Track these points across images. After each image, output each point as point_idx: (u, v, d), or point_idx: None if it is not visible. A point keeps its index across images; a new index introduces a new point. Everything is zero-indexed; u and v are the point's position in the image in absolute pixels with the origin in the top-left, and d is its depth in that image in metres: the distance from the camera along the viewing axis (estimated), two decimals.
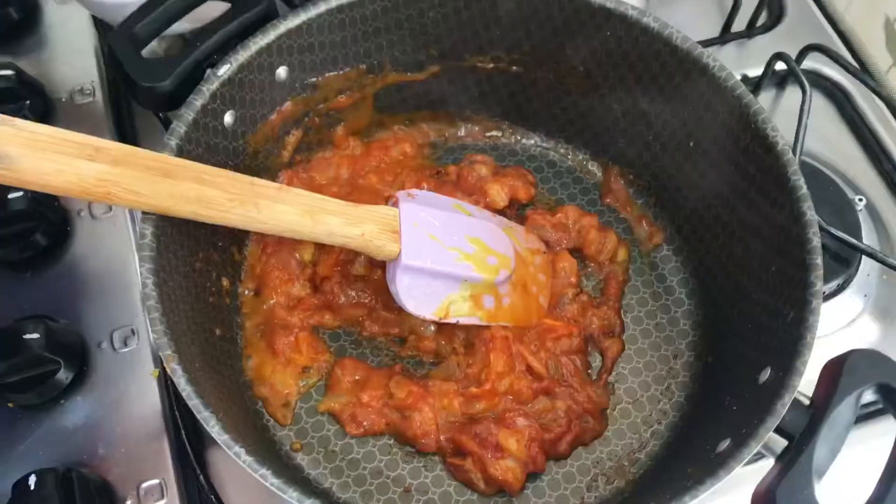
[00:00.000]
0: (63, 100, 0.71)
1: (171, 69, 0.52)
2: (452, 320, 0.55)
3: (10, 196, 0.62)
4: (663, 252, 0.62)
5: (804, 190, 0.50)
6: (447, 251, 0.54)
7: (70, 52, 0.74)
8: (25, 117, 0.67)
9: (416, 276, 0.53)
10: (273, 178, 0.60)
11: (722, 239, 0.57)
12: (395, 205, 0.54)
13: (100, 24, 0.75)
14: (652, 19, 0.55)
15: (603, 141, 0.64)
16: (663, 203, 0.62)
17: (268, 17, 0.56)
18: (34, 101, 0.69)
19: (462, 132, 0.66)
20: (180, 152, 0.50)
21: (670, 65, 0.56)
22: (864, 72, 0.78)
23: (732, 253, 0.56)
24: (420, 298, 0.54)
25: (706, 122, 0.56)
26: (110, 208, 0.66)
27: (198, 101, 0.51)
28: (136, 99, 0.53)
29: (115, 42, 0.52)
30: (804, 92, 0.67)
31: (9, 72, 0.67)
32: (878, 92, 0.70)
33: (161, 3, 0.54)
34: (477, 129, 0.66)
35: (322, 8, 0.55)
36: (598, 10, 0.56)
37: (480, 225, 0.57)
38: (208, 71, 0.53)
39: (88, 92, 0.72)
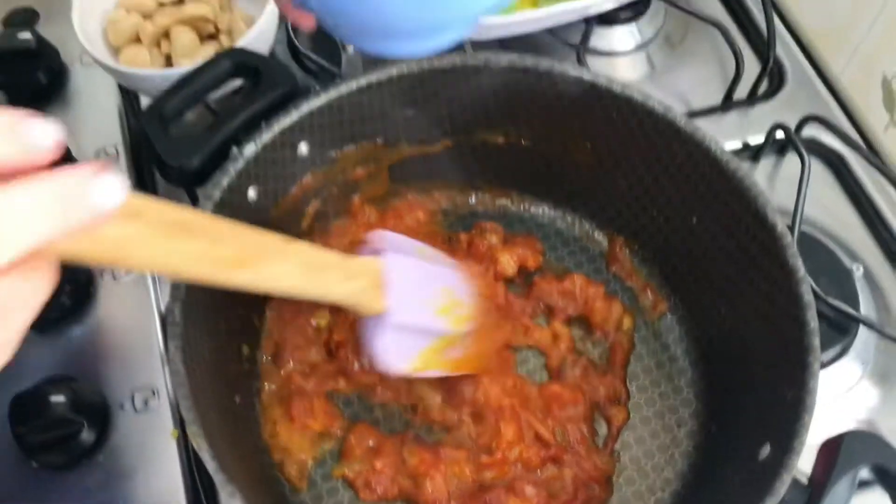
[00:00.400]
0: (87, 160, 0.74)
1: (199, 148, 0.55)
2: (425, 374, 0.56)
3: None
4: (667, 321, 0.64)
5: (802, 272, 0.52)
6: (426, 305, 0.55)
7: (94, 115, 0.77)
8: None
9: (396, 333, 0.53)
10: None
11: (723, 312, 0.60)
12: (376, 251, 0.53)
13: (123, 88, 0.78)
14: (657, 103, 0.58)
15: (608, 212, 0.66)
16: (667, 273, 0.65)
17: (291, 96, 0.58)
18: (59, 164, 0.71)
19: (473, 200, 0.69)
20: None
21: (674, 146, 0.58)
22: (861, 134, 0.81)
23: (733, 326, 0.59)
24: (397, 355, 0.54)
25: (708, 200, 0.58)
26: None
27: (224, 180, 0.54)
28: (165, 176, 0.56)
29: (146, 122, 0.55)
30: (803, 163, 0.70)
31: None
32: (873, 162, 0.72)
33: (189, 84, 0.57)
34: (487, 197, 0.69)
35: (344, 89, 0.58)
36: (604, 92, 0.58)
37: (447, 273, 0.57)
38: (234, 150, 0.55)
39: (112, 154, 0.74)
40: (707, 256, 0.60)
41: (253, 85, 0.60)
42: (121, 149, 0.74)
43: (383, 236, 0.55)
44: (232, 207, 0.55)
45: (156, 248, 0.36)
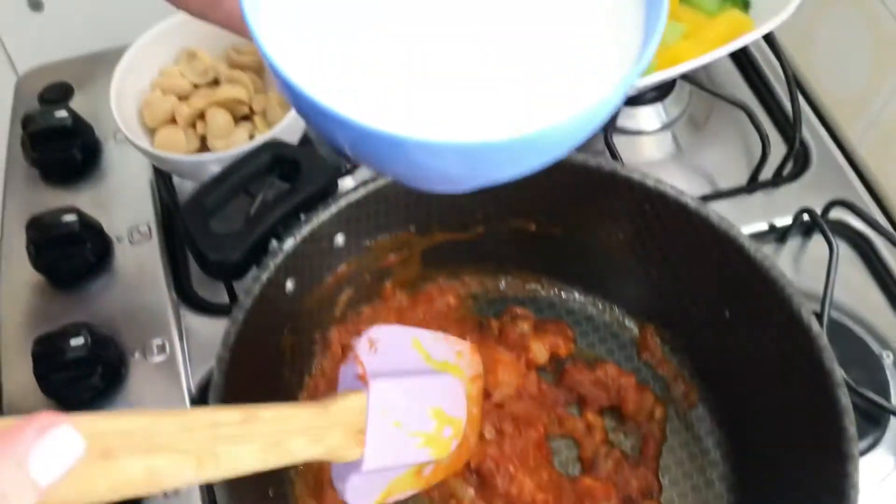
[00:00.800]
0: (120, 240, 0.75)
1: (240, 243, 0.55)
2: (390, 500, 0.53)
3: (72, 343, 0.64)
4: (699, 411, 0.64)
5: (839, 377, 0.52)
6: (409, 438, 0.51)
7: (127, 191, 0.78)
8: (86, 259, 0.71)
9: (368, 475, 0.50)
10: (324, 333, 0.63)
11: (757, 407, 0.60)
12: (362, 377, 0.50)
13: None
14: (690, 199, 0.58)
15: (639, 300, 0.66)
16: (699, 364, 0.65)
17: (329, 188, 0.59)
18: (93, 243, 0.72)
19: (503, 285, 0.69)
20: (246, 325, 0.53)
21: (707, 241, 0.58)
22: (885, 212, 0.82)
23: (766, 422, 0.58)
24: (364, 492, 0.51)
25: (741, 296, 0.58)
26: (164, 349, 0.69)
27: (264, 275, 0.54)
28: (203, 268, 0.56)
29: (187, 216, 0.56)
30: (831, 249, 0.70)
31: (72, 217, 0.70)
32: None
33: (229, 177, 0.58)
34: (517, 281, 0.69)
35: (381, 182, 0.59)
36: (637, 186, 0.59)
37: (440, 383, 0.55)
38: (273, 244, 0.56)
39: (144, 232, 0.75)
40: (739, 350, 0.60)
41: (292, 171, 0.61)
42: (153, 226, 0.75)
43: (378, 336, 0.52)
44: (269, 300, 0.56)
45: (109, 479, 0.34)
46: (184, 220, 0.55)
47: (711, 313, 0.61)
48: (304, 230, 0.57)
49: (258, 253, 0.56)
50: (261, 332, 0.55)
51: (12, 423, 0.28)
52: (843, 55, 0.86)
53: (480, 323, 0.66)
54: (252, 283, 0.54)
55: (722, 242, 0.58)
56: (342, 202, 0.58)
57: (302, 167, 0.59)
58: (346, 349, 0.59)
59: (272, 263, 0.55)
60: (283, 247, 0.56)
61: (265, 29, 0.33)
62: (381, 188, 0.59)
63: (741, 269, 0.57)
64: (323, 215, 0.57)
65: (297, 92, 0.31)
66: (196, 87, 0.75)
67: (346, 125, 0.30)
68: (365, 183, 0.59)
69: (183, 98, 0.74)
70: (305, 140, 0.77)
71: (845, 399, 0.51)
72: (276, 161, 0.60)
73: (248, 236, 0.55)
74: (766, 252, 0.56)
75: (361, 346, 0.51)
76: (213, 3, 0.41)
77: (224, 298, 0.71)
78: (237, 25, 0.41)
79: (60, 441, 0.28)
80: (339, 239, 0.60)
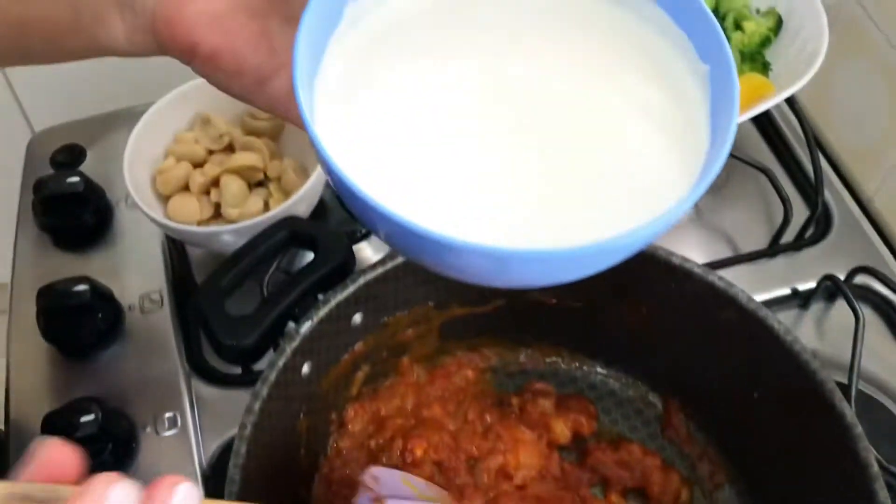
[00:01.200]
0: (132, 308, 0.73)
1: (256, 327, 0.54)
2: None
3: (82, 420, 0.63)
4: (726, 493, 0.62)
5: (875, 469, 0.50)
6: None
7: (139, 257, 0.77)
8: (97, 329, 0.70)
9: None
10: (340, 412, 0.62)
11: (785, 492, 0.58)
12: (377, 499, 0.52)
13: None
14: (717, 278, 0.57)
15: (663, 375, 0.65)
16: (725, 442, 0.63)
17: (346, 267, 0.58)
18: (105, 313, 0.71)
19: (523, 357, 0.68)
20: (261, 413, 0.52)
21: (734, 321, 0.57)
22: None
23: None
24: None
25: (770, 378, 0.57)
26: (176, 423, 0.68)
27: (281, 360, 0.53)
28: (218, 352, 0.55)
29: (202, 299, 0.55)
30: (857, 318, 0.69)
31: (84, 286, 0.69)
32: None
33: (244, 257, 0.57)
34: (537, 354, 0.68)
35: (399, 260, 0.58)
36: (662, 263, 0.58)
37: None
38: (290, 326, 0.55)
39: (156, 300, 0.74)
40: (768, 431, 0.59)
41: (309, 248, 0.59)
42: (165, 294, 0.74)
43: (378, 474, 0.53)
44: (285, 385, 0.54)
45: None
46: (198, 305, 0.54)
47: (739, 392, 0.60)
48: (322, 312, 0.55)
49: (274, 335, 0.55)
50: (276, 417, 0.54)
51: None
52: (861, 106, 0.85)
53: (501, 399, 0.65)
54: (268, 370, 0.53)
55: (750, 323, 0.56)
56: (360, 281, 0.57)
57: (318, 243, 0.58)
58: (352, 484, 0.58)
59: (288, 348, 0.54)
60: (299, 330, 0.54)
61: (320, 126, 0.33)
62: (400, 266, 0.58)
63: (771, 352, 0.56)
64: (340, 296, 0.56)
65: (346, 185, 0.30)
66: (210, 152, 0.74)
67: (397, 224, 0.30)
68: (383, 261, 0.58)
69: (197, 165, 0.73)
70: (319, 209, 0.76)
71: (883, 493, 0.49)
72: (292, 238, 0.59)
73: (264, 319, 0.54)
74: (798, 337, 0.55)
75: (368, 479, 0.52)
76: (257, 89, 0.39)
77: (237, 369, 0.69)
78: (281, 110, 0.40)
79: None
80: (357, 318, 0.59)
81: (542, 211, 0.34)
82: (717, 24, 0.37)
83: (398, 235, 0.32)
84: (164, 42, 0.38)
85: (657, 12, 0.39)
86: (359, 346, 0.60)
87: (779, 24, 0.80)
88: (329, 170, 0.31)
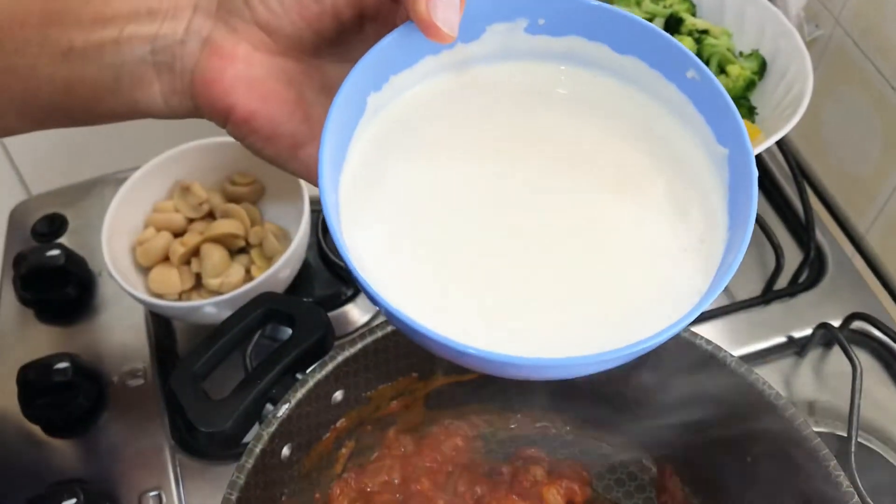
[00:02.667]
0: (115, 382, 0.72)
1: (232, 412, 0.52)
2: None
3: None
4: None
5: None
6: None
7: (122, 330, 0.76)
8: (81, 405, 0.69)
9: None
10: (325, 491, 0.60)
11: None
12: None
13: None
14: (705, 342, 0.56)
15: (656, 438, 0.63)
16: None
17: (325, 342, 0.57)
18: (87, 388, 0.70)
19: (512, 424, 0.66)
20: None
21: (724, 384, 0.56)
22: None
23: None
24: None
25: (764, 443, 0.55)
26: (161, 502, 0.66)
27: (258, 446, 0.52)
28: (196, 440, 0.54)
29: (176, 386, 0.53)
30: (854, 368, 0.67)
31: (65, 364, 0.68)
32: None
33: (219, 337, 0.56)
34: (527, 420, 0.66)
35: (379, 334, 0.56)
36: None
37: None
38: (267, 409, 0.53)
39: (140, 374, 0.73)
40: (764, 497, 0.57)
41: (286, 324, 0.58)
42: (148, 367, 0.73)
43: None
44: (264, 470, 0.53)
45: None
46: (172, 391, 0.53)
47: (733, 456, 0.58)
48: (300, 393, 0.54)
49: (252, 419, 0.53)
50: (256, 502, 0.52)
51: None
52: (852, 138, 0.84)
53: (491, 469, 0.63)
54: (246, 457, 0.51)
55: (740, 387, 0.55)
56: (339, 359, 0.55)
57: (295, 320, 0.57)
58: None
59: (266, 433, 0.52)
60: (277, 414, 0.53)
61: (346, 233, 0.35)
62: (380, 339, 0.57)
63: (762, 416, 0.54)
64: (319, 375, 0.55)
65: (376, 298, 0.32)
66: (190, 221, 0.73)
67: (430, 339, 0.32)
68: (362, 336, 0.57)
69: (177, 234, 0.72)
70: (304, 272, 0.75)
71: None
72: (269, 315, 0.57)
73: (240, 404, 0.53)
74: (789, 402, 0.53)
75: None
76: (291, 155, 0.40)
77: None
78: (313, 177, 0.40)
79: None
80: (338, 395, 0.57)
81: (563, 317, 0.35)
82: (736, 109, 0.37)
83: (426, 343, 0.33)
84: (202, 104, 0.39)
85: (677, 95, 0.39)
86: (341, 423, 0.59)
87: (763, 66, 0.79)
88: (359, 283, 0.33)
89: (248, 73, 0.38)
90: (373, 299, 0.32)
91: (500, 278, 0.36)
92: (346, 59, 0.38)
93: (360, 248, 0.35)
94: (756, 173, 0.35)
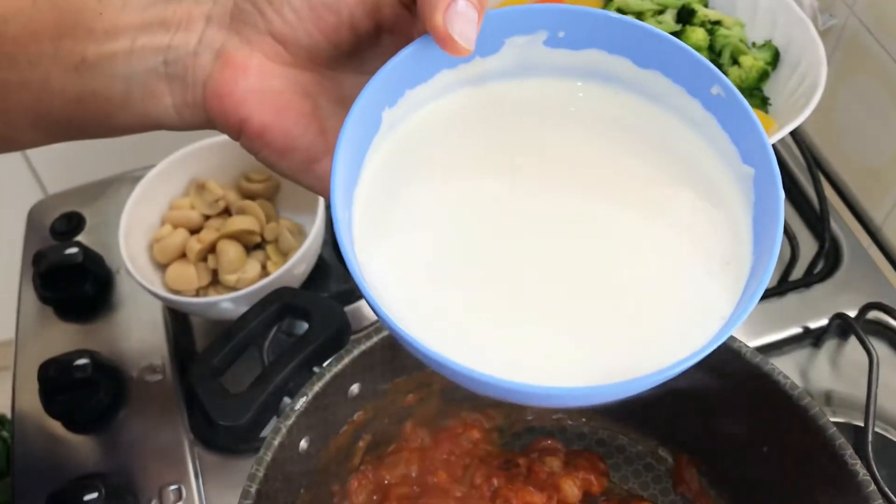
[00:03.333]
0: (134, 378, 0.73)
1: (250, 405, 0.53)
2: None
3: (86, 499, 0.63)
4: None
5: None
6: None
7: (140, 326, 0.77)
8: (101, 401, 0.69)
9: None
10: (343, 484, 0.61)
11: None
12: None
13: None
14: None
15: (673, 429, 0.63)
16: (738, 498, 0.61)
17: (341, 335, 0.57)
18: (107, 384, 0.71)
19: (528, 415, 0.67)
20: (259, 496, 0.51)
21: (740, 374, 0.56)
22: None
23: None
24: None
25: (779, 433, 0.55)
26: (181, 495, 0.67)
27: (276, 439, 0.52)
28: (215, 433, 0.54)
29: (195, 380, 0.54)
30: (871, 358, 0.67)
31: (85, 360, 0.69)
32: None
33: (237, 332, 0.56)
34: (543, 411, 0.66)
35: None
36: None
37: None
38: (285, 403, 0.54)
39: (158, 369, 0.73)
40: (780, 486, 0.57)
41: (303, 318, 0.59)
42: (167, 362, 0.74)
43: None
44: (283, 463, 0.53)
45: None
46: (192, 386, 0.53)
47: (749, 446, 0.58)
48: (317, 386, 0.54)
49: (270, 412, 0.54)
50: (275, 497, 0.53)
51: None
52: (867, 127, 0.84)
53: (507, 461, 0.63)
54: (265, 450, 0.52)
55: (756, 377, 0.55)
56: (355, 352, 0.56)
57: (312, 314, 0.58)
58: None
59: (283, 426, 0.53)
60: (295, 407, 0.53)
61: (360, 251, 0.34)
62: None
63: (778, 406, 0.54)
64: (336, 368, 0.55)
65: (383, 317, 0.31)
66: (207, 217, 0.74)
67: (431, 359, 0.31)
68: (378, 329, 0.57)
69: (193, 231, 0.73)
70: (320, 267, 0.76)
71: None
72: (286, 310, 0.58)
73: (258, 397, 0.53)
74: (805, 391, 0.53)
75: None
76: (305, 168, 0.39)
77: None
78: (328, 191, 0.40)
79: None
80: (355, 388, 0.58)
81: (586, 344, 0.34)
82: (762, 128, 0.35)
83: (441, 370, 0.33)
84: (215, 117, 0.38)
85: (700, 112, 0.38)
86: (358, 416, 0.59)
87: (776, 57, 0.78)
88: (370, 304, 0.32)
89: (262, 85, 0.37)
90: (385, 323, 0.32)
91: (521, 304, 0.35)
92: (362, 72, 0.38)
93: (372, 268, 0.34)
94: (782, 195, 0.34)
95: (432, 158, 0.38)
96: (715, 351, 0.55)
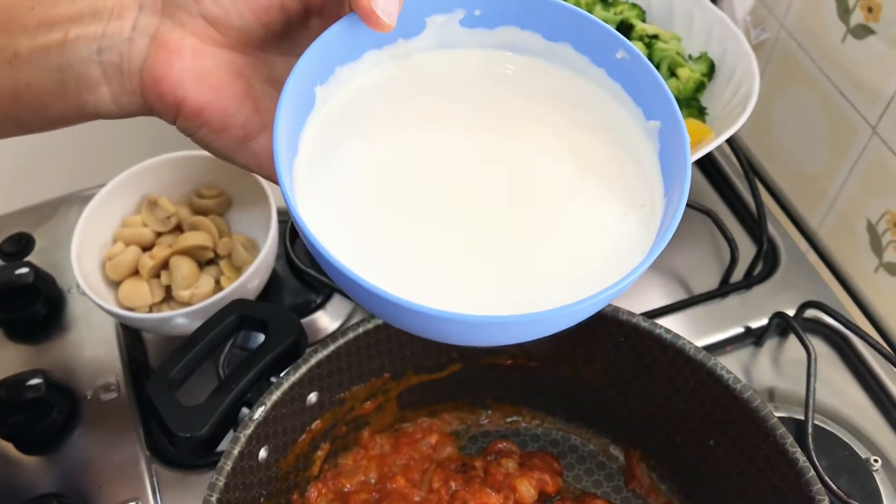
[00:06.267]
0: (88, 397, 0.73)
1: (208, 417, 0.54)
2: None
3: None
4: None
5: None
6: None
7: (93, 345, 0.76)
8: (54, 421, 0.69)
9: None
10: (303, 492, 0.61)
11: None
12: None
13: None
14: (664, 330, 0.58)
15: (623, 427, 0.65)
16: (688, 491, 0.63)
17: (298, 346, 0.58)
18: (61, 404, 0.70)
19: (483, 420, 0.68)
20: None
21: (684, 371, 0.58)
22: (853, 298, 0.82)
23: None
24: None
25: (724, 426, 0.58)
26: None
27: (236, 448, 0.53)
28: (174, 446, 0.54)
29: (152, 393, 0.54)
30: (809, 354, 0.70)
31: (38, 380, 0.68)
32: (873, 344, 0.72)
33: (194, 344, 0.57)
34: (498, 415, 0.68)
35: (351, 336, 0.58)
36: (610, 319, 0.59)
37: None
38: (243, 413, 0.55)
39: (113, 387, 0.73)
40: (727, 478, 0.59)
41: (259, 330, 0.59)
42: (121, 380, 0.73)
43: None
44: (242, 472, 0.54)
45: None
46: (149, 398, 0.54)
47: (696, 440, 0.60)
48: (275, 395, 0.55)
49: (228, 423, 0.55)
50: None
51: None
52: (801, 138, 0.87)
53: (465, 464, 0.65)
54: (224, 459, 0.52)
55: (699, 373, 0.57)
56: (312, 361, 0.57)
57: (268, 325, 0.58)
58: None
59: (242, 436, 0.53)
60: (253, 416, 0.54)
61: (302, 207, 0.36)
62: (351, 341, 0.58)
63: (721, 399, 0.57)
64: (293, 377, 0.56)
65: (323, 256, 0.33)
66: (159, 234, 0.74)
67: (366, 291, 0.33)
68: (334, 337, 0.58)
69: (146, 248, 0.73)
70: (273, 282, 0.77)
71: None
72: (243, 321, 0.59)
73: (216, 408, 0.54)
74: (747, 384, 0.55)
75: None
76: (240, 145, 0.41)
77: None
78: (265, 168, 0.41)
79: None
80: (312, 397, 0.59)
81: (516, 278, 0.36)
82: (663, 81, 0.39)
83: (378, 306, 0.34)
84: (152, 100, 0.39)
85: (606, 79, 0.41)
86: (316, 425, 0.60)
87: (712, 68, 0.82)
88: (313, 248, 0.34)
89: (197, 65, 0.38)
90: (329, 264, 0.33)
91: (451, 243, 0.37)
92: (293, 54, 0.39)
93: (315, 220, 0.36)
94: (688, 141, 0.37)
95: (365, 119, 0.40)
96: (661, 351, 0.57)
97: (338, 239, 0.36)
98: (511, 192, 0.39)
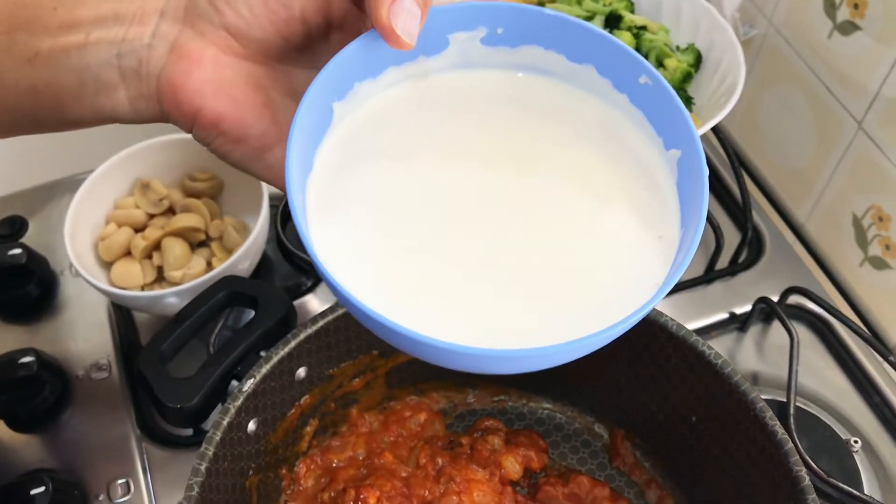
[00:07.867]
0: (80, 376, 0.73)
1: (198, 388, 0.55)
2: None
3: (33, 493, 0.63)
4: None
5: (807, 482, 0.52)
6: None
7: (86, 324, 0.77)
8: (46, 399, 0.70)
9: None
10: (291, 468, 0.62)
11: None
12: None
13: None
14: None
15: (607, 406, 0.66)
16: (670, 468, 0.64)
17: (287, 322, 0.59)
18: (53, 383, 0.71)
19: (470, 398, 0.69)
20: (209, 474, 0.52)
21: (667, 348, 0.59)
22: (836, 287, 0.84)
23: None
24: None
25: (706, 402, 0.59)
26: (129, 489, 0.68)
27: (225, 420, 0.54)
28: (164, 416, 0.55)
29: (144, 365, 0.55)
30: (791, 338, 0.71)
31: (30, 358, 0.69)
32: (855, 329, 0.73)
33: (185, 318, 0.58)
34: (484, 394, 0.69)
35: (339, 312, 0.59)
36: None
37: None
38: (233, 385, 0.56)
39: (104, 367, 0.74)
40: (709, 454, 0.60)
41: (249, 306, 0.60)
42: (113, 360, 0.74)
43: None
44: (232, 444, 0.55)
45: None
46: (140, 370, 0.54)
47: (679, 417, 0.62)
48: (264, 369, 0.56)
49: (218, 395, 0.55)
50: (224, 476, 0.54)
51: None
52: (789, 133, 0.88)
53: (451, 441, 0.66)
54: (213, 429, 0.53)
55: (682, 350, 0.58)
56: (301, 336, 0.58)
57: (258, 301, 0.59)
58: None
59: (232, 407, 0.54)
60: (242, 388, 0.55)
61: (314, 232, 0.35)
62: (340, 317, 0.59)
63: (703, 376, 0.58)
64: (282, 351, 0.57)
65: (343, 294, 0.33)
66: (151, 216, 0.75)
67: (369, 318, 0.33)
68: (324, 314, 0.59)
69: (138, 230, 0.74)
70: (264, 265, 0.77)
71: None
72: (232, 297, 0.60)
73: (207, 380, 0.55)
74: (727, 360, 0.56)
75: None
76: (257, 157, 0.41)
77: (188, 430, 0.70)
78: (280, 181, 0.40)
79: None
80: (301, 372, 0.59)
81: (530, 311, 0.36)
82: (686, 112, 0.38)
83: (393, 339, 0.34)
84: (169, 108, 0.39)
85: (628, 105, 0.40)
86: (305, 400, 0.61)
87: (698, 59, 0.83)
88: (324, 277, 0.34)
89: (216, 75, 0.38)
90: (340, 295, 0.33)
91: (466, 275, 0.37)
92: (312, 67, 0.39)
93: (326, 247, 0.35)
94: (706, 173, 0.37)
95: (381, 144, 0.40)
96: (644, 328, 0.58)
97: (348, 266, 0.35)
98: (527, 221, 0.38)
